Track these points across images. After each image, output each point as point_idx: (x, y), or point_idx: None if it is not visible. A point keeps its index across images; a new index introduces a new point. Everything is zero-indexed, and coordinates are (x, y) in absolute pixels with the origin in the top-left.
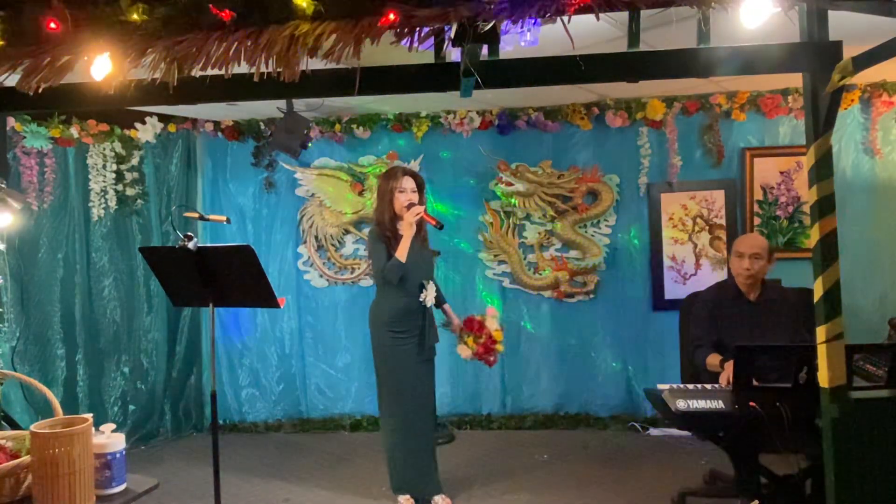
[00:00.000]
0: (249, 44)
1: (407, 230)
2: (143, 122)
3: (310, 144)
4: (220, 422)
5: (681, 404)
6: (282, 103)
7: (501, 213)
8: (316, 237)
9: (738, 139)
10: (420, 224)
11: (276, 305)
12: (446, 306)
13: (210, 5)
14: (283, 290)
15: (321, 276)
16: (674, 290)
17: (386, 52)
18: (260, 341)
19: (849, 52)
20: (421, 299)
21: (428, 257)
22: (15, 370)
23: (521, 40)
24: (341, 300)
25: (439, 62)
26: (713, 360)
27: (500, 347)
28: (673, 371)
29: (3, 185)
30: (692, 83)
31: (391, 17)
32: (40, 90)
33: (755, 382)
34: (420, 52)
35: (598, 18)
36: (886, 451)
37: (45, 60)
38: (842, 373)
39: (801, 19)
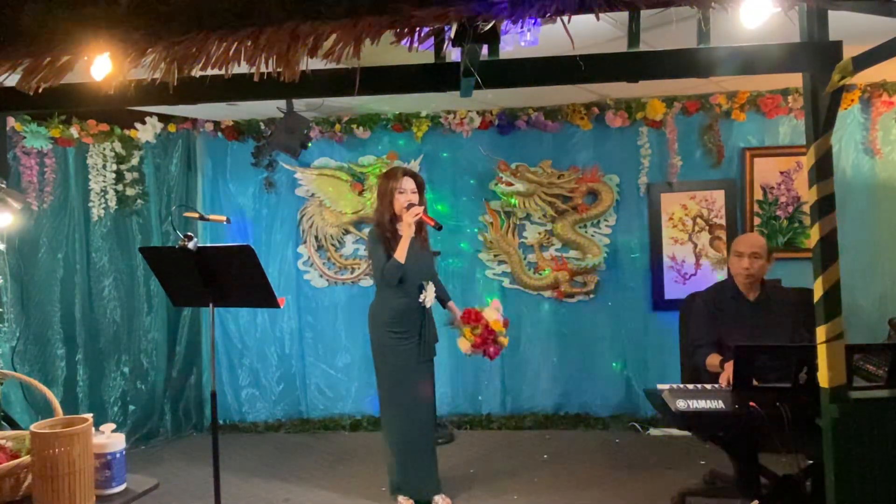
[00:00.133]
0: (249, 44)
1: (406, 231)
2: (143, 122)
3: (310, 144)
4: (220, 422)
5: (681, 404)
6: (282, 103)
7: (501, 213)
8: (316, 237)
9: (738, 139)
10: (420, 225)
11: (276, 305)
12: (451, 303)
13: None
14: (283, 290)
15: (321, 276)
16: (674, 290)
17: (386, 52)
18: (260, 341)
19: (849, 52)
20: (420, 300)
21: (428, 258)
22: (15, 370)
23: (521, 40)
24: (341, 300)
25: (439, 62)
26: (713, 360)
27: (503, 340)
28: (673, 371)
29: (3, 185)
30: (692, 83)
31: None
32: (40, 90)
33: (755, 382)
34: (420, 52)
35: (598, 18)
36: (886, 451)
37: (45, 60)
38: (842, 373)
39: (801, 19)
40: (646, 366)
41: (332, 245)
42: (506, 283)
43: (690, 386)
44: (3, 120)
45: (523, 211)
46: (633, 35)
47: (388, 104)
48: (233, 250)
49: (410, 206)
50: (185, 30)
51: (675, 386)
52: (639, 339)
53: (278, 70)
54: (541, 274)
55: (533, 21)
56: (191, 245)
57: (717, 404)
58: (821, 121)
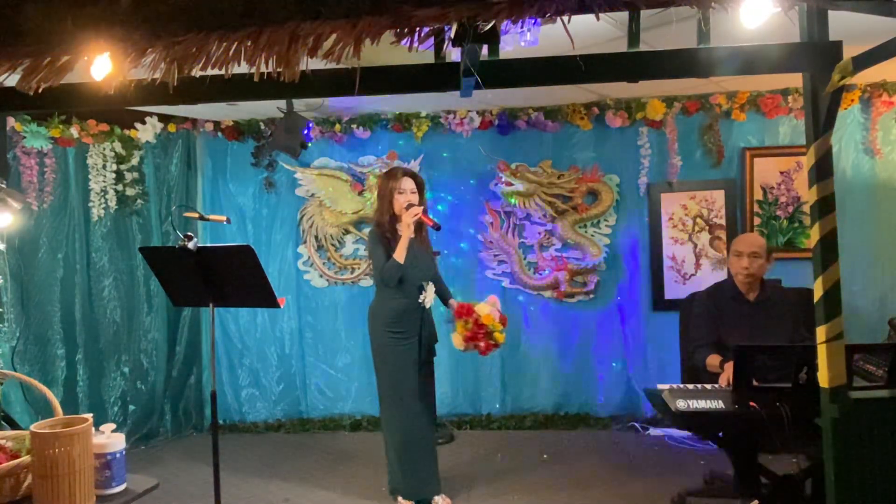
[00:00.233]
0: (249, 44)
1: (405, 231)
2: (143, 122)
3: (310, 144)
4: (220, 422)
5: (681, 404)
6: (282, 103)
7: (501, 213)
8: (316, 237)
9: (738, 139)
10: (420, 225)
11: (276, 305)
12: (451, 301)
13: None
14: (283, 290)
15: (321, 276)
16: (674, 290)
17: (386, 52)
18: (260, 341)
19: (849, 52)
20: (420, 300)
21: (428, 259)
22: (15, 370)
23: (521, 40)
24: (341, 300)
25: (439, 62)
26: (713, 360)
27: (499, 336)
28: (673, 371)
29: (3, 185)
30: (692, 83)
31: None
32: (40, 90)
33: (755, 382)
34: (420, 52)
35: (598, 18)
36: (886, 451)
37: (45, 60)
38: (842, 373)
39: (801, 19)
40: (646, 366)
41: (332, 245)
42: (506, 283)
43: (690, 386)
44: (3, 120)
45: (523, 211)
46: (633, 35)
47: (388, 104)
48: (233, 250)
49: (410, 206)
50: (185, 30)
51: (675, 386)
52: (639, 339)
53: (278, 70)
54: (541, 274)
55: (533, 21)
56: (191, 245)
57: (717, 404)
58: (821, 121)
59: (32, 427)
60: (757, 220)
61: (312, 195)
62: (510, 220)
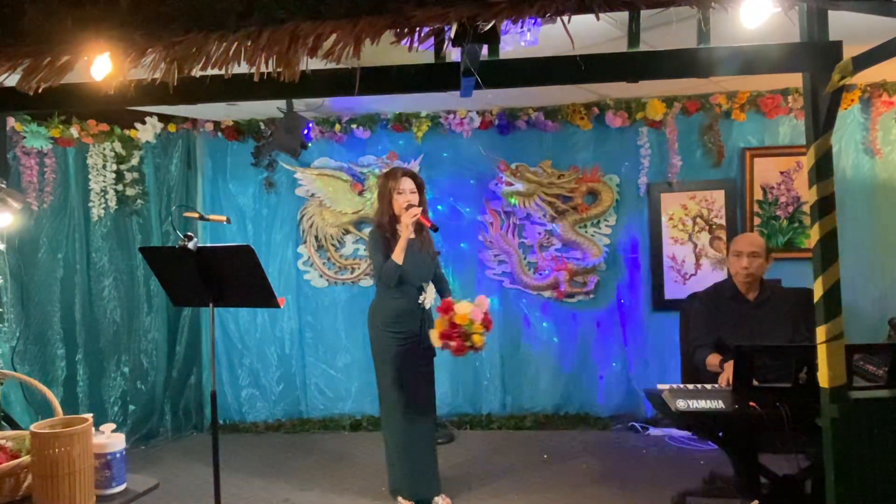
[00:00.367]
0: (249, 44)
1: (404, 232)
2: (143, 122)
3: (309, 144)
4: (220, 422)
5: (681, 404)
6: (282, 103)
7: (501, 213)
8: (316, 237)
9: (738, 139)
10: (420, 226)
11: (276, 305)
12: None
13: None
14: (283, 290)
15: (321, 276)
16: (674, 290)
17: (386, 52)
18: (260, 341)
19: (849, 52)
20: (420, 301)
21: (428, 259)
22: (15, 370)
23: (521, 40)
24: (341, 300)
25: (439, 62)
26: (713, 360)
27: (476, 339)
28: (673, 371)
29: (3, 185)
30: (692, 83)
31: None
32: (40, 90)
33: (755, 382)
34: (420, 52)
35: (598, 18)
36: (886, 451)
37: (45, 60)
38: (842, 373)
39: (801, 19)
40: (646, 366)
41: (332, 245)
42: (506, 283)
43: (690, 386)
44: (3, 120)
45: (523, 211)
46: (633, 35)
47: (388, 104)
48: (233, 250)
49: (409, 206)
50: (185, 30)
51: (675, 386)
52: (639, 339)
53: (278, 70)
54: (541, 274)
55: (533, 21)
56: (191, 245)
57: (717, 404)
58: (821, 121)
59: (32, 427)
60: (757, 220)
61: (312, 195)
62: (510, 220)
